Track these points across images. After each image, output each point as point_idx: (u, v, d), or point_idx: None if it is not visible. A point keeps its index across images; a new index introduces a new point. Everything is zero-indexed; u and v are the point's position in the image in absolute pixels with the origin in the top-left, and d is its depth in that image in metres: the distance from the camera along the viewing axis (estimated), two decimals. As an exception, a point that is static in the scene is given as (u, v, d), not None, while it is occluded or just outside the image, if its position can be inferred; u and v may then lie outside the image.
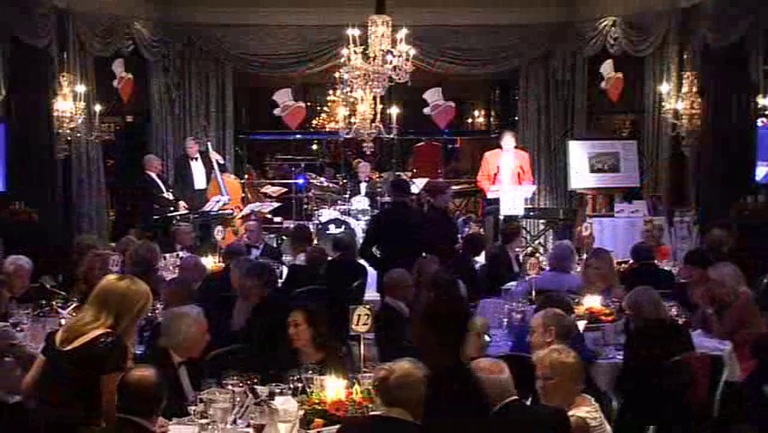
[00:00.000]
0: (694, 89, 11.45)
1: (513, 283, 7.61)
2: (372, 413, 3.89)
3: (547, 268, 7.56)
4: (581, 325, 5.67)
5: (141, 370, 3.84)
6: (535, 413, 3.96)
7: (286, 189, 13.90)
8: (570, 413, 3.94)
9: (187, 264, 7.59)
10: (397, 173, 14.34)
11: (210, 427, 4.00)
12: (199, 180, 12.04)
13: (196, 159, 12.06)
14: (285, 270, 8.52)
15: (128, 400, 3.72)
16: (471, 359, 4.82)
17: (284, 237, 11.69)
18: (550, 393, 4.03)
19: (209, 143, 12.41)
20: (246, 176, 13.95)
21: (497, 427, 3.78)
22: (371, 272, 8.35)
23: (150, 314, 6.08)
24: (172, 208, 11.36)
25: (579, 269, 7.80)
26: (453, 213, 12.27)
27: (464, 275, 7.18)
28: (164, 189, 11.60)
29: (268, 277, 6.52)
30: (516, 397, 3.90)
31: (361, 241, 9.68)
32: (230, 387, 4.17)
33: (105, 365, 3.95)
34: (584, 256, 8.17)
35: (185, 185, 11.87)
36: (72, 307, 6.09)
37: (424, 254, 7.45)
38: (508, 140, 11.81)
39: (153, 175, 11.60)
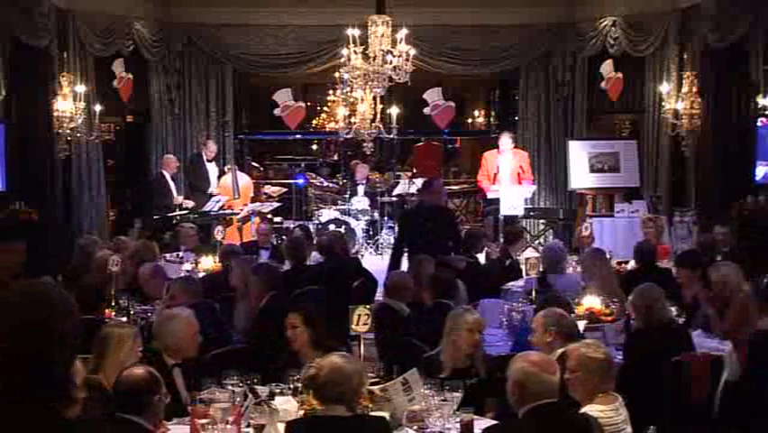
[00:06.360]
0: (694, 89, 11.46)
1: (513, 283, 7.59)
2: (314, 414, 3.82)
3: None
4: (581, 325, 5.66)
5: (132, 368, 3.86)
6: (565, 415, 3.75)
7: (286, 189, 13.91)
8: (582, 409, 3.90)
9: (146, 275, 6.97)
10: (398, 173, 14.38)
11: (210, 427, 3.99)
12: (213, 183, 12.04)
13: (212, 161, 12.05)
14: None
15: (120, 397, 3.74)
16: (469, 356, 4.85)
17: (284, 237, 11.70)
18: (573, 386, 4.00)
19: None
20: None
21: (519, 426, 3.68)
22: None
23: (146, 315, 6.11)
24: (179, 209, 11.32)
25: (579, 269, 7.78)
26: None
27: (464, 274, 7.18)
28: (174, 191, 11.59)
29: (272, 276, 6.51)
30: (552, 400, 3.63)
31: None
32: (230, 387, 4.17)
33: None
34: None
35: (200, 186, 11.81)
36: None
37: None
38: (506, 140, 11.82)
39: (168, 176, 11.57)
